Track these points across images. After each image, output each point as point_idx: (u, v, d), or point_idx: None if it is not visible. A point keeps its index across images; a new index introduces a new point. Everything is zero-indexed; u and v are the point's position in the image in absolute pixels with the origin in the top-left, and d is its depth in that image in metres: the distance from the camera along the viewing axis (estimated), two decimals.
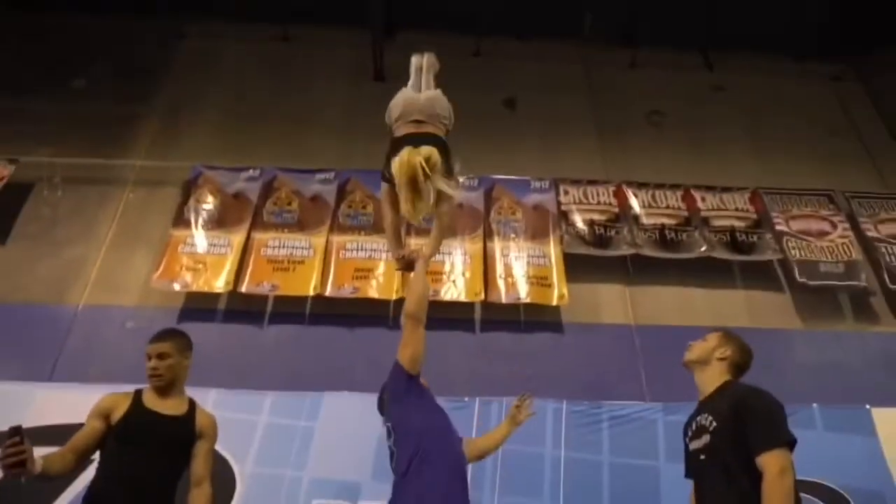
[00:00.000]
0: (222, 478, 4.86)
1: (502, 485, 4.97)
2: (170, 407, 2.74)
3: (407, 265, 3.29)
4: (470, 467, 4.88)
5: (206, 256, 5.86)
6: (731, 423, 2.13)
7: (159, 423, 2.67)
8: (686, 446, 2.38)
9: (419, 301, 3.01)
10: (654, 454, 5.10)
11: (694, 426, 2.32)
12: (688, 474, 2.40)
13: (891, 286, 6.16)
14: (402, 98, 3.52)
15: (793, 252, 6.28)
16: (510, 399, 5.38)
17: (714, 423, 2.17)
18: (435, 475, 2.58)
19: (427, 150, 3.05)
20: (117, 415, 2.71)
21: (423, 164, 2.92)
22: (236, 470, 4.89)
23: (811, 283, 6.11)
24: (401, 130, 3.38)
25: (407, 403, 2.87)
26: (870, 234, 6.53)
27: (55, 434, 4.92)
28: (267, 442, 5.05)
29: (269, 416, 5.15)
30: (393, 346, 5.68)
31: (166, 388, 2.80)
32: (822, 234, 6.50)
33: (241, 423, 5.10)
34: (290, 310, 5.81)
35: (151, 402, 2.74)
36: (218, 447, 4.93)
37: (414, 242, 6.11)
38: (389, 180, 3.20)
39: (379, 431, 5.09)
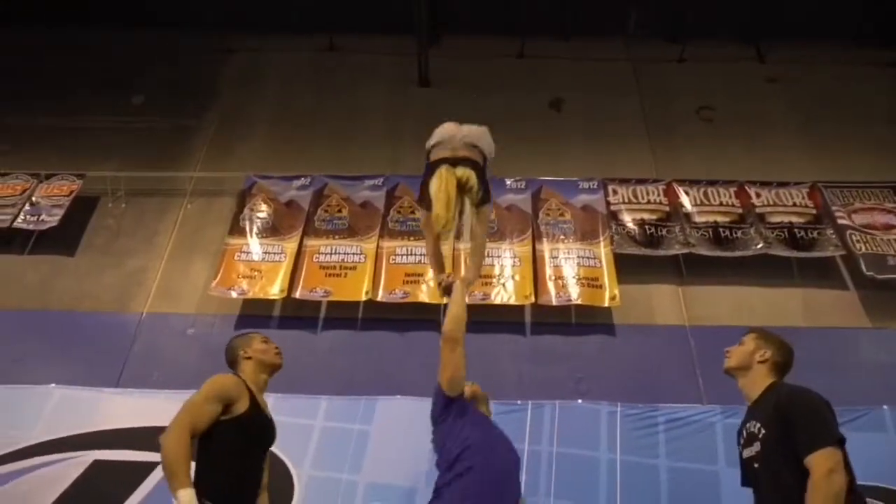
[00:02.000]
0: (281, 481, 5.01)
1: (557, 489, 4.93)
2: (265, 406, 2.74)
3: (446, 290, 3.38)
4: (524, 473, 4.92)
5: (261, 264, 6.03)
6: (778, 428, 2.07)
7: (272, 428, 2.77)
8: (740, 455, 2.34)
9: (457, 323, 3.04)
10: (713, 458, 4.97)
11: (745, 434, 2.28)
12: (744, 483, 2.35)
13: None
14: (445, 127, 3.56)
15: (857, 246, 6.03)
16: (563, 402, 5.38)
17: (763, 431, 2.13)
18: (468, 491, 2.64)
19: (464, 170, 3.19)
20: (240, 408, 2.65)
21: (460, 178, 3.12)
22: (294, 473, 5.00)
23: (879, 276, 5.85)
24: (437, 155, 3.44)
25: (443, 427, 2.96)
26: None
27: (123, 437, 5.18)
28: (323, 445, 5.14)
29: (325, 421, 5.25)
30: None
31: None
32: (888, 228, 6.23)
33: (297, 427, 5.21)
34: (342, 315, 5.91)
35: (262, 402, 2.77)
36: (276, 450, 5.06)
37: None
38: (427, 205, 3.25)
39: (432, 437, 5.18)
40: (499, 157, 7.21)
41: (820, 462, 1.97)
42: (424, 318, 5.86)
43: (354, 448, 5.13)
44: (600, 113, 7.51)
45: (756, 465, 2.16)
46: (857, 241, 6.08)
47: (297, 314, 5.92)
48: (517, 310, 5.88)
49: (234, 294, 5.90)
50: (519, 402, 5.30)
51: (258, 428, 2.70)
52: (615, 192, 6.52)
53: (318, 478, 5.02)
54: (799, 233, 6.16)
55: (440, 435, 2.96)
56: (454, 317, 3.08)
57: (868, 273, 5.88)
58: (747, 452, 2.24)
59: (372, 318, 5.87)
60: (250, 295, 5.89)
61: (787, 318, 5.86)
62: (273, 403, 5.17)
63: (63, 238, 6.42)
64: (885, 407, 5.14)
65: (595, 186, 6.59)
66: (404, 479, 5.00)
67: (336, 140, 7.32)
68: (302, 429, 5.21)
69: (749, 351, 2.34)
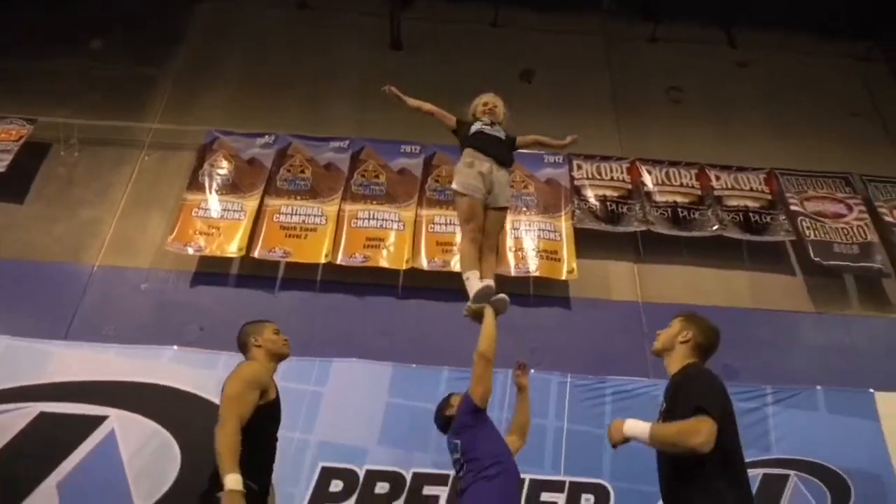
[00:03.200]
0: None
1: None
2: None
3: (475, 316, 3.65)
4: None
5: (219, 221, 5.93)
6: (672, 402, 2.24)
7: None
8: None
9: (491, 343, 3.42)
10: None
11: (660, 409, 2.47)
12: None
13: None
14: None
15: (807, 232, 6.24)
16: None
17: (665, 404, 2.31)
18: (495, 490, 3.12)
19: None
20: (271, 394, 2.93)
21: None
22: None
23: (825, 262, 6.08)
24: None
25: (477, 432, 3.31)
26: (886, 218, 6.46)
27: (71, 390, 5.10)
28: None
29: (279, 380, 5.22)
30: (403, 314, 5.83)
31: None
32: (837, 217, 6.44)
33: None
34: (301, 276, 5.88)
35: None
36: None
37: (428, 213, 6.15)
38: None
39: (385, 400, 5.24)
40: None
41: (691, 422, 2.09)
42: (383, 283, 5.88)
43: (307, 408, 5.17)
44: (570, 87, 7.51)
45: None
46: (808, 228, 6.28)
47: (254, 273, 5.87)
48: None
49: (190, 250, 5.80)
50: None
51: (279, 411, 3.00)
52: (579, 168, 6.58)
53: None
54: (753, 217, 6.33)
55: (467, 439, 3.30)
56: (488, 336, 3.45)
57: (815, 259, 6.10)
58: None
59: (331, 281, 5.86)
60: (207, 252, 5.80)
61: (736, 300, 6.06)
62: (228, 361, 5.21)
63: (11, 185, 6.18)
64: (818, 387, 5.39)
65: (560, 161, 6.63)
66: (356, 440, 5.06)
67: (303, 99, 7.18)
68: None
69: (674, 333, 2.47)
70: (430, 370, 5.35)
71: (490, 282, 3.48)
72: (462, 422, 3.37)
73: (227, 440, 2.66)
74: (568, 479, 4.96)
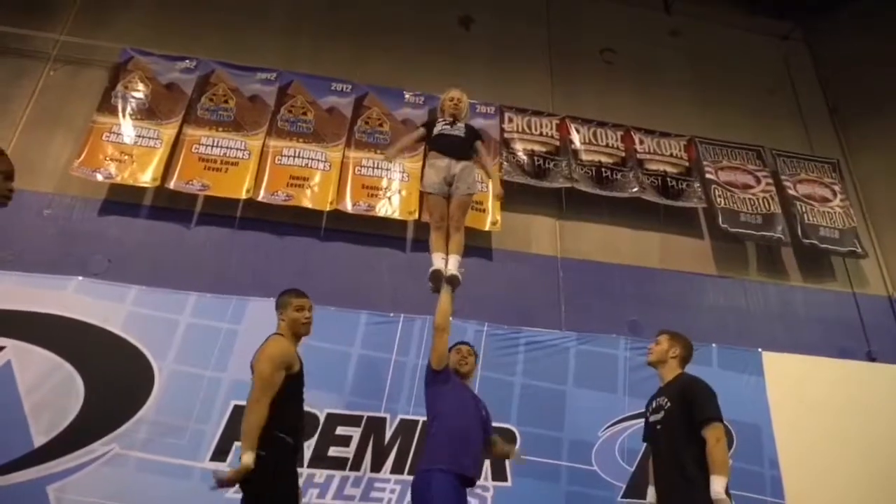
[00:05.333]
0: (140, 375, 4.87)
1: (417, 398, 5.18)
2: None
3: (449, 280, 4.13)
4: (389, 381, 5.15)
5: (132, 148, 5.58)
6: (681, 404, 2.85)
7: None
8: (647, 418, 3.09)
9: (446, 317, 3.95)
10: (563, 379, 5.43)
11: (654, 405, 3.04)
12: (645, 439, 3.10)
13: (802, 241, 6.58)
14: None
15: (718, 200, 6.58)
16: (434, 318, 5.56)
17: (669, 404, 2.91)
18: (442, 439, 3.61)
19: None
20: (295, 368, 3.32)
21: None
22: (155, 366, 4.89)
23: (731, 230, 6.45)
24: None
25: (434, 391, 3.84)
26: (790, 191, 6.89)
27: None
28: (188, 341, 5.04)
29: (192, 317, 5.12)
30: (324, 256, 5.75)
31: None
32: (746, 187, 6.81)
33: (161, 320, 5.05)
34: (220, 212, 5.66)
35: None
36: (137, 343, 5.00)
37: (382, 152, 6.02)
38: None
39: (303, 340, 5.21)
40: (400, 68, 7.04)
41: (712, 433, 2.77)
42: (306, 223, 5.76)
43: (221, 346, 5.07)
44: (507, 38, 7.44)
45: (658, 427, 2.91)
46: (719, 196, 6.62)
47: (169, 206, 5.60)
48: (400, 225, 5.91)
49: (99, 177, 5.45)
50: (391, 314, 5.45)
51: (303, 378, 3.39)
52: (511, 121, 6.60)
53: (181, 372, 4.93)
54: (671, 182, 6.59)
55: (428, 398, 3.87)
56: (442, 311, 3.96)
57: (723, 225, 6.45)
58: (654, 418, 2.98)
59: (251, 218, 5.68)
60: (119, 180, 5.47)
61: (646, 259, 6.36)
62: (137, 296, 5.06)
63: None
64: (713, 345, 5.82)
65: (492, 112, 6.62)
66: None
67: (229, 25, 6.74)
68: (167, 323, 5.05)
69: (665, 349, 3.11)
70: (348, 313, 5.36)
71: (440, 264, 4.11)
72: (424, 381, 3.91)
73: (253, 420, 3.06)
74: None
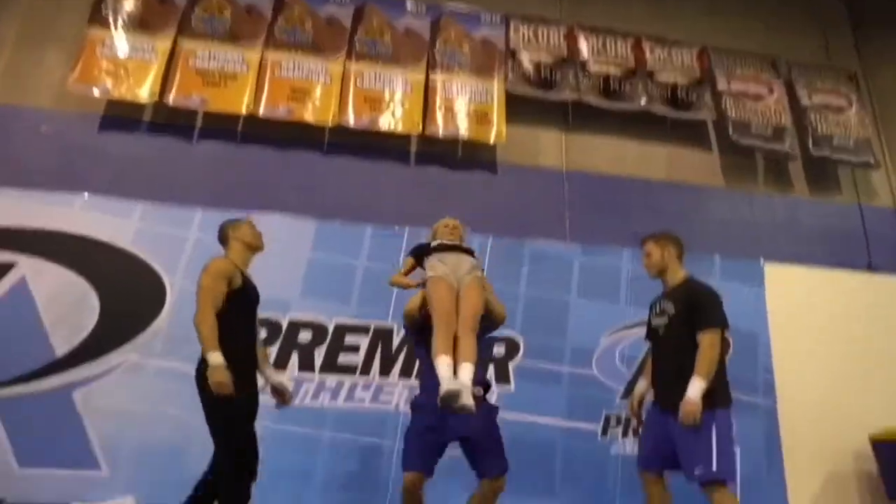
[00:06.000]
0: (153, 290, 4.98)
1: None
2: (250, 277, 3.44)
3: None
4: (395, 293, 5.25)
5: (127, 61, 5.44)
6: (686, 309, 2.83)
7: (258, 294, 3.44)
8: (650, 321, 3.07)
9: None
10: (566, 289, 5.52)
11: (658, 308, 3.01)
12: (647, 338, 3.11)
13: (812, 153, 6.49)
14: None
15: (729, 112, 6.43)
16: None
17: (674, 309, 2.88)
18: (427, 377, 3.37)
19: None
20: (236, 282, 3.34)
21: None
22: (167, 282, 4.99)
23: (742, 142, 6.35)
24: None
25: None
26: (803, 101, 6.72)
27: None
28: (197, 257, 5.07)
29: (199, 232, 5.17)
30: (328, 171, 5.73)
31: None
32: (758, 98, 6.64)
33: (170, 237, 5.11)
34: (220, 126, 5.60)
35: (248, 275, 3.43)
36: (148, 260, 5.09)
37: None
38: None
39: (308, 255, 5.29)
40: None
41: (708, 337, 2.75)
42: (308, 138, 5.70)
43: None
44: None
45: (661, 332, 2.91)
46: (730, 107, 6.47)
47: (170, 121, 5.52)
48: (404, 138, 5.84)
49: (96, 92, 5.35)
50: (396, 227, 5.48)
51: (251, 295, 3.42)
52: (517, 30, 6.36)
53: (192, 290, 5.02)
54: (681, 93, 6.42)
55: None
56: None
57: (732, 137, 6.35)
58: (657, 322, 2.98)
59: (252, 133, 5.61)
60: (116, 95, 5.37)
61: (653, 173, 6.30)
62: (144, 211, 5.09)
63: None
64: (716, 256, 5.86)
65: (498, 21, 6.37)
66: (280, 292, 5.12)
67: None
68: (175, 240, 5.11)
69: (659, 256, 3.01)
70: (353, 227, 5.40)
71: (455, 385, 2.94)
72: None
73: (204, 322, 3.13)
74: None
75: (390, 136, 5.75)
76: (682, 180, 6.30)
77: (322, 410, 4.86)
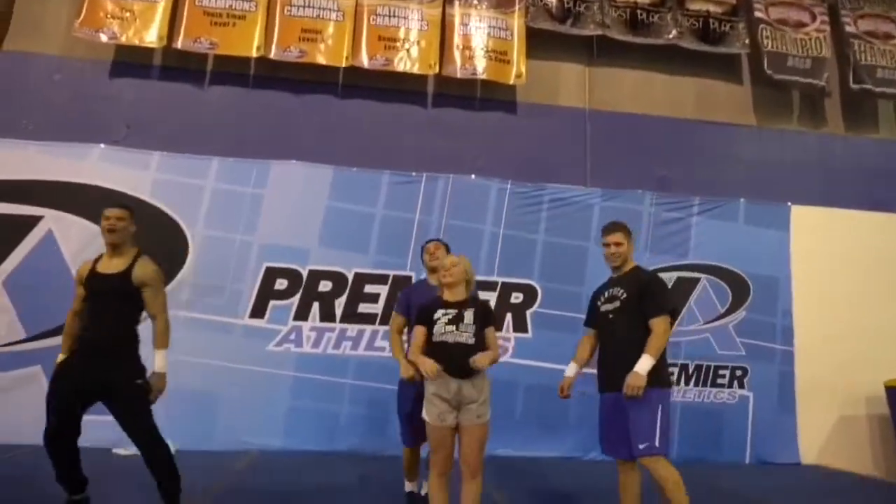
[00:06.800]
0: (175, 241, 5.07)
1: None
2: (114, 266, 3.09)
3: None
4: (413, 240, 5.26)
5: (132, 4, 5.25)
6: (636, 296, 2.93)
7: (105, 281, 3.07)
8: (597, 307, 3.09)
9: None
10: (586, 236, 5.47)
11: (607, 294, 3.05)
12: (588, 324, 3.15)
13: (852, 86, 6.12)
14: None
15: (765, 42, 6.04)
16: (457, 177, 5.53)
17: (625, 295, 2.97)
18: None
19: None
20: (83, 276, 3.16)
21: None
22: (188, 233, 5.07)
23: (776, 76, 6.01)
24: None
25: None
26: (848, 28, 6.26)
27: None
28: (215, 207, 5.15)
29: (216, 182, 5.18)
30: (342, 115, 5.63)
31: (117, 246, 3.13)
32: (799, 26, 6.20)
33: (188, 186, 5.14)
34: (232, 70, 5.45)
35: (103, 265, 3.12)
36: (168, 211, 5.14)
37: None
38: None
39: (326, 203, 5.29)
40: None
41: (658, 324, 2.85)
42: (322, 80, 5.55)
43: (249, 210, 5.19)
44: None
45: (611, 316, 2.98)
46: (766, 38, 6.07)
47: (180, 65, 5.39)
48: (420, 79, 5.64)
49: (103, 37, 5.21)
50: (414, 173, 5.42)
51: (90, 289, 3.11)
52: None
53: (212, 237, 5.12)
54: (713, 24, 6.01)
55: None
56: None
57: (767, 71, 5.99)
58: (606, 307, 3.02)
59: (265, 76, 5.47)
60: (123, 40, 5.23)
61: (681, 110, 6.04)
62: (161, 162, 5.10)
63: None
64: (741, 200, 5.71)
65: None
66: (300, 241, 5.21)
67: None
68: (193, 189, 5.14)
69: (626, 249, 3.08)
70: (371, 173, 5.35)
71: None
72: None
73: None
74: (500, 279, 5.33)
75: (406, 77, 5.55)
76: (712, 118, 6.02)
77: (345, 358, 5.03)
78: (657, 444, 2.75)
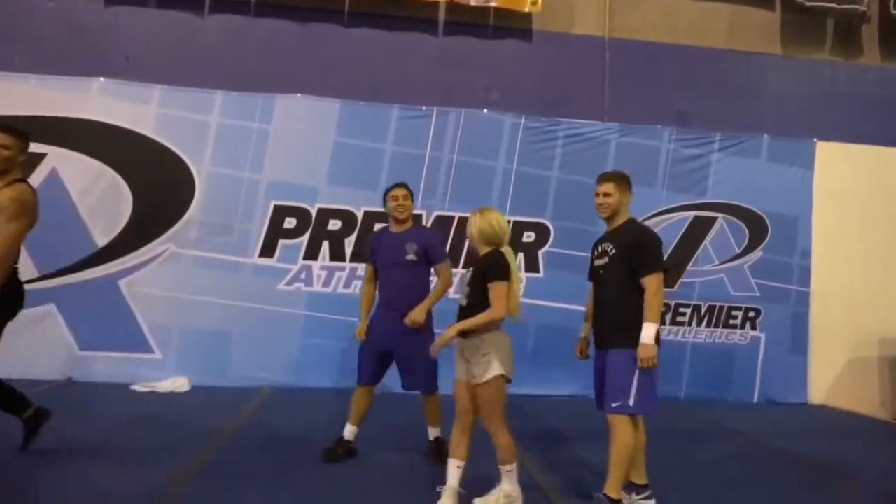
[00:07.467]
0: (181, 178, 4.99)
1: (453, 193, 5.23)
2: None
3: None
4: (423, 177, 5.13)
5: None
6: (626, 251, 2.83)
7: None
8: (592, 262, 3.02)
9: None
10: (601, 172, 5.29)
11: (600, 249, 2.99)
12: (590, 279, 3.06)
13: (893, 11, 5.74)
14: None
15: None
16: (468, 111, 5.33)
17: (614, 251, 2.87)
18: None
19: None
20: None
21: None
22: (194, 170, 4.97)
23: (808, 3, 5.64)
24: None
25: None
26: None
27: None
28: (221, 143, 5.03)
29: (221, 117, 5.03)
30: (348, 44, 5.38)
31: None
32: None
33: (191, 122, 5.00)
34: None
35: None
36: (174, 147, 5.04)
37: None
38: None
39: (333, 138, 5.14)
40: None
41: (652, 282, 2.78)
42: (326, 6, 5.26)
43: (255, 146, 5.06)
44: None
45: (602, 272, 2.91)
46: None
47: None
48: (431, 6, 5.33)
49: None
50: (424, 108, 5.22)
51: None
52: None
53: (219, 174, 5.01)
54: None
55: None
56: None
57: None
58: (598, 262, 2.96)
59: (266, 3, 5.20)
60: None
61: (706, 38, 5.71)
62: (163, 96, 4.95)
63: None
64: (765, 136, 5.48)
65: None
66: (307, 178, 5.10)
67: None
68: (197, 124, 5.00)
69: (617, 200, 2.92)
70: (379, 107, 5.17)
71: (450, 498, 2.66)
72: None
73: None
74: (513, 218, 5.23)
75: (416, 4, 5.25)
76: (739, 47, 5.69)
77: (355, 297, 5.00)
78: (630, 403, 2.71)
